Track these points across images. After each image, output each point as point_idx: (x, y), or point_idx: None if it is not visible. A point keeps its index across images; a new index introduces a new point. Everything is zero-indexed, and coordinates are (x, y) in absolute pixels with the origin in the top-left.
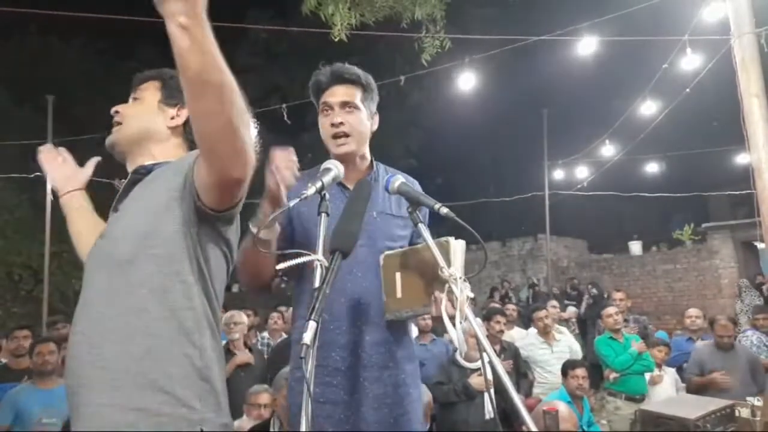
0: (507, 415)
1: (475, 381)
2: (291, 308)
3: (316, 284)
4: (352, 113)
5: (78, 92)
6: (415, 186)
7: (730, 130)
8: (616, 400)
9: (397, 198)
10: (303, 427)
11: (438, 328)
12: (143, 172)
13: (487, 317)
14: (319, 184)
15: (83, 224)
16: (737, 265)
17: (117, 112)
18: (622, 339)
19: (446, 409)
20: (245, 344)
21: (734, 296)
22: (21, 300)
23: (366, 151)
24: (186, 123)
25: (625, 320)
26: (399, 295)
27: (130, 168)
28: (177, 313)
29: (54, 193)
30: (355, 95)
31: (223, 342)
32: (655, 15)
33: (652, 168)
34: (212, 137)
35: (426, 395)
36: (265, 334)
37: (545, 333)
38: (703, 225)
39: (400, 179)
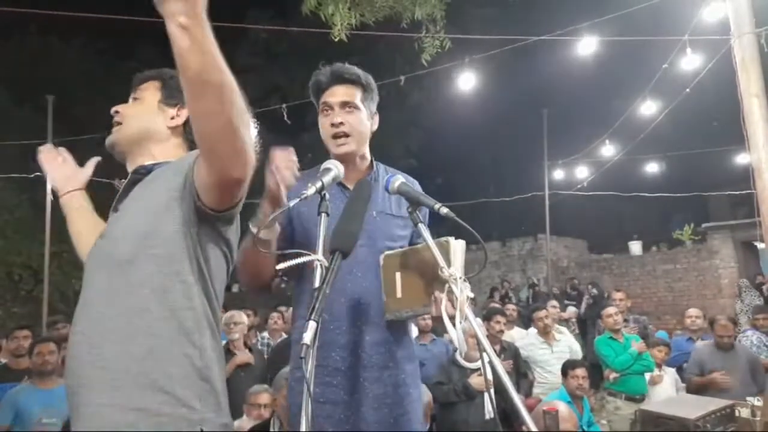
0: (507, 415)
1: (475, 381)
2: (291, 308)
3: (316, 284)
4: (352, 113)
5: (78, 92)
6: (415, 186)
7: (730, 130)
8: (616, 400)
9: (397, 198)
10: (303, 427)
11: (438, 328)
12: (143, 172)
13: (487, 317)
14: (319, 184)
15: (83, 224)
16: (737, 265)
17: (117, 112)
18: (622, 339)
19: (446, 409)
20: (245, 344)
21: (734, 296)
22: (21, 300)
23: (366, 151)
24: (186, 123)
25: (625, 320)
26: (399, 295)
27: (130, 168)
28: (177, 313)
29: (54, 193)
30: (355, 95)
31: (223, 342)
32: (655, 15)
33: (652, 168)
34: (212, 137)
35: (426, 395)
36: (265, 334)
37: (545, 333)
38: (703, 225)
39: (400, 179)
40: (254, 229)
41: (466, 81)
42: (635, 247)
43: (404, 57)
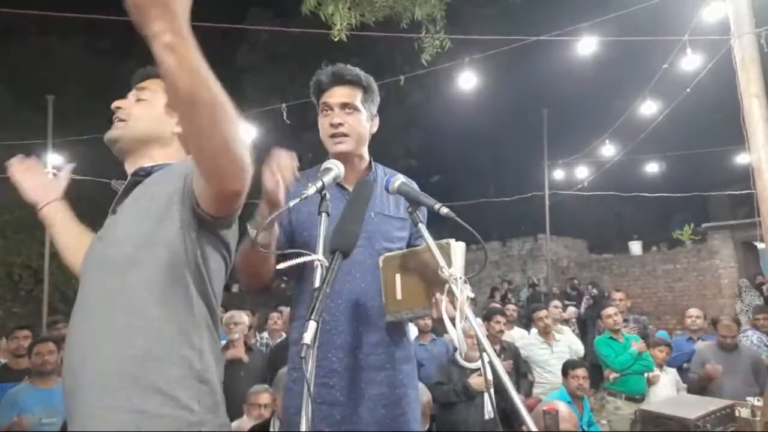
0: (507, 415)
1: (475, 381)
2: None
3: (316, 284)
4: (351, 114)
5: (78, 92)
6: (413, 186)
7: (730, 130)
8: (616, 400)
9: (395, 199)
10: (303, 428)
11: (438, 328)
12: (143, 174)
13: (487, 317)
14: (319, 184)
15: (69, 237)
16: (737, 265)
17: (119, 107)
18: (622, 339)
19: (446, 409)
20: (245, 344)
21: (734, 296)
22: (21, 300)
23: (364, 152)
24: None
25: (625, 320)
26: (399, 296)
27: (128, 168)
28: (176, 316)
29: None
30: (356, 96)
31: (223, 342)
32: (655, 15)
33: (652, 168)
34: (207, 154)
35: (425, 395)
36: (265, 334)
37: (545, 333)
38: (703, 225)
39: (400, 179)
40: (253, 232)
41: (466, 81)
42: (635, 247)
43: (404, 57)
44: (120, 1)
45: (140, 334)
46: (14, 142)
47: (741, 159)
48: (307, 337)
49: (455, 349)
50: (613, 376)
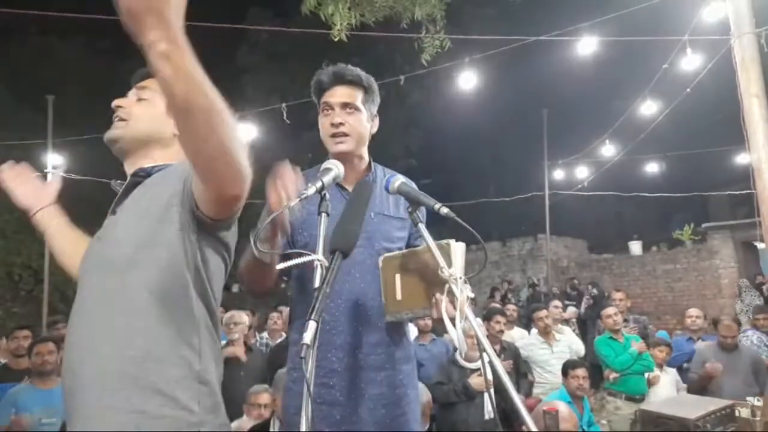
0: (507, 415)
1: (475, 381)
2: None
3: (316, 284)
4: (352, 114)
5: (78, 92)
6: (413, 187)
7: (730, 130)
8: (616, 400)
9: (395, 199)
10: (303, 428)
11: (438, 328)
12: (143, 174)
13: (487, 317)
14: (319, 184)
15: (64, 241)
16: (737, 265)
17: (120, 106)
18: (622, 339)
19: (446, 409)
20: (245, 344)
21: (734, 296)
22: (21, 300)
23: (364, 152)
24: None
25: (625, 320)
26: (399, 297)
27: (128, 168)
28: (176, 317)
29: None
30: (356, 96)
31: (223, 342)
32: (655, 15)
33: (652, 168)
34: (206, 161)
35: (425, 395)
36: (265, 334)
37: (545, 333)
38: (703, 225)
39: (400, 179)
40: (256, 251)
41: (466, 81)
42: (635, 247)
43: (404, 57)
44: None
45: (140, 335)
46: (14, 142)
47: (741, 159)
48: (307, 337)
49: (455, 349)
50: (613, 376)
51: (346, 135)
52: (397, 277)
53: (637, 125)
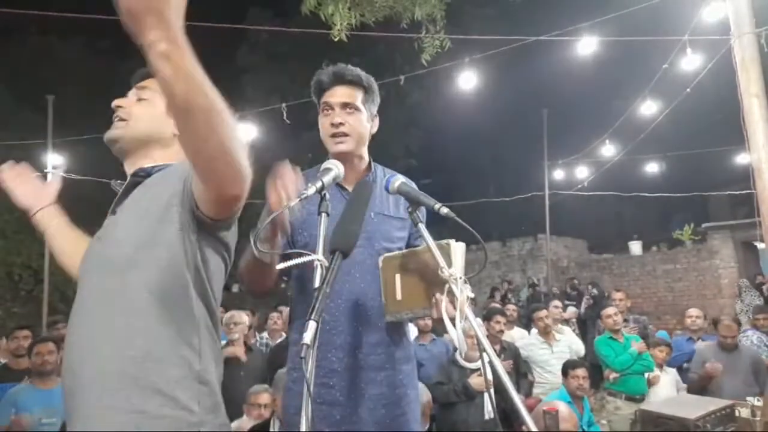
0: (507, 415)
1: (475, 381)
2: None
3: (316, 284)
4: (352, 114)
5: (78, 92)
6: (413, 187)
7: (730, 130)
8: (616, 400)
9: (395, 199)
10: (303, 428)
11: (438, 328)
12: (142, 174)
13: (487, 317)
14: (319, 184)
15: (64, 242)
16: (737, 265)
17: (120, 106)
18: (622, 339)
19: (446, 409)
20: (245, 344)
21: (734, 296)
22: (21, 300)
23: (364, 152)
24: None
25: (625, 320)
26: (399, 297)
27: (128, 168)
28: (176, 317)
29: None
30: (356, 96)
31: (223, 342)
32: (655, 15)
33: (652, 168)
34: (206, 161)
35: (425, 395)
36: (265, 334)
37: (545, 333)
38: (703, 225)
39: (400, 179)
40: (256, 251)
41: (466, 81)
42: (635, 247)
43: (404, 57)
44: None
45: (140, 335)
46: (14, 142)
47: (741, 159)
48: (307, 337)
49: (455, 349)
50: (613, 376)
51: (346, 135)
52: (397, 277)
53: (637, 125)
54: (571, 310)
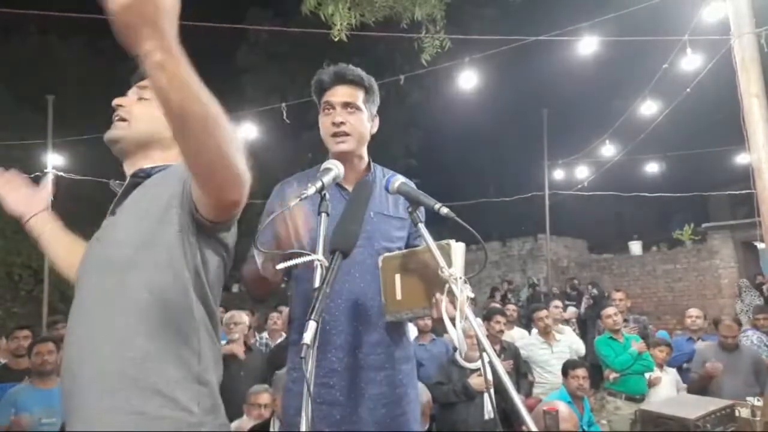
0: (507, 415)
1: (474, 381)
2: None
3: (316, 284)
4: (353, 114)
5: (78, 92)
6: (412, 187)
7: (730, 130)
8: (616, 400)
9: (394, 198)
10: (303, 428)
11: (438, 328)
12: (142, 175)
13: (487, 317)
14: (319, 184)
15: (60, 247)
16: (737, 265)
17: (120, 105)
18: (622, 339)
19: (446, 409)
20: (245, 344)
21: (734, 296)
22: (21, 300)
23: (364, 152)
24: None
25: (625, 320)
26: (398, 297)
27: (127, 168)
28: (175, 318)
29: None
30: (358, 96)
31: (223, 342)
32: (655, 15)
33: (652, 168)
34: (203, 168)
35: (425, 395)
36: (264, 334)
37: (545, 333)
38: (703, 225)
39: (400, 179)
40: (259, 261)
41: (466, 81)
42: (635, 247)
43: (404, 57)
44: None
45: (139, 336)
46: (14, 142)
47: (741, 159)
48: (307, 337)
49: (455, 349)
50: (613, 376)
51: (347, 135)
52: (397, 277)
53: (637, 125)
54: (571, 310)
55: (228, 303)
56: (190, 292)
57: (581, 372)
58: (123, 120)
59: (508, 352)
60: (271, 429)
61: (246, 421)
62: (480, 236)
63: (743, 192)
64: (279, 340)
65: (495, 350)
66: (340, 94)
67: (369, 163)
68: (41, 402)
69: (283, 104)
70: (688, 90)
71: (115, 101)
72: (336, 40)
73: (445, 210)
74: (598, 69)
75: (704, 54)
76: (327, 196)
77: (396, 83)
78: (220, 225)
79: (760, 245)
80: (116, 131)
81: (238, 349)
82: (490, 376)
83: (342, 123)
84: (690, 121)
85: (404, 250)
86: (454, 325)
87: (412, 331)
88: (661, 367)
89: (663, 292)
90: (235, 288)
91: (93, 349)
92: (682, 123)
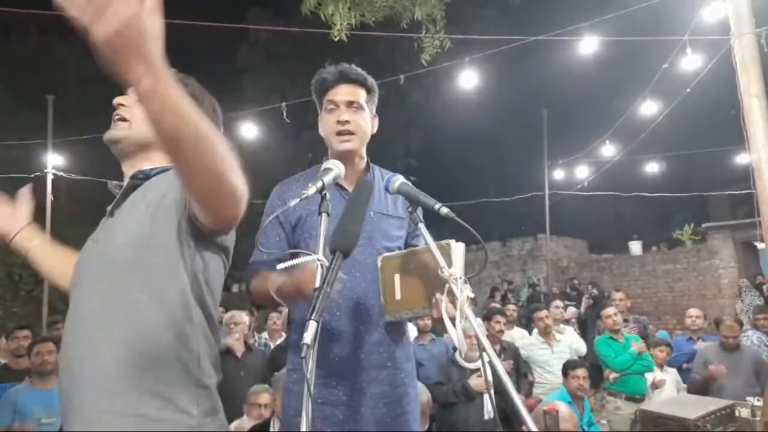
0: (507, 415)
1: (474, 382)
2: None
3: (317, 284)
4: (357, 112)
5: (78, 92)
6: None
7: (730, 130)
8: (616, 400)
9: (393, 198)
10: (303, 427)
11: (438, 328)
12: (141, 177)
13: (487, 317)
14: (319, 184)
15: (51, 259)
16: (737, 265)
17: (121, 104)
18: (622, 339)
19: (446, 409)
20: (245, 344)
21: (734, 296)
22: (21, 300)
23: (364, 151)
24: None
25: (625, 320)
26: (398, 296)
27: (127, 170)
28: (174, 320)
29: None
30: (361, 95)
31: (223, 341)
32: (655, 15)
33: (652, 168)
34: (199, 188)
35: (425, 395)
36: (264, 334)
37: (545, 333)
38: (703, 225)
39: (400, 179)
40: (272, 293)
41: (466, 81)
42: (635, 247)
43: (404, 57)
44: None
45: (138, 339)
46: (14, 142)
47: (741, 159)
48: (308, 337)
49: (455, 349)
50: (613, 376)
51: (351, 133)
52: (397, 277)
53: (637, 125)
54: (571, 310)
55: (228, 303)
56: (189, 295)
57: (581, 372)
58: (124, 120)
59: (508, 352)
60: (271, 429)
61: (246, 421)
62: (480, 236)
63: (743, 192)
64: (279, 341)
65: (495, 350)
66: (343, 92)
67: (368, 163)
68: (41, 402)
69: (283, 104)
70: (688, 90)
71: (116, 100)
72: (336, 40)
73: (445, 210)
74: (598, 69)
75: (704, 54)
76: (327, 196)
77: (396, 83)
78: (219, 232)
79: (760, 245)
80: (117, 131)
81: (236, 344)
82: (490, 377)
83: (347, 121)
84: (690, 121)
85: (404, 250)
86: (454, 325)
87: (412, 331)
88: (661, 367)
89: (663, 292)
90: (235, 288)
91: (92, 351)
92: (682, 123)
